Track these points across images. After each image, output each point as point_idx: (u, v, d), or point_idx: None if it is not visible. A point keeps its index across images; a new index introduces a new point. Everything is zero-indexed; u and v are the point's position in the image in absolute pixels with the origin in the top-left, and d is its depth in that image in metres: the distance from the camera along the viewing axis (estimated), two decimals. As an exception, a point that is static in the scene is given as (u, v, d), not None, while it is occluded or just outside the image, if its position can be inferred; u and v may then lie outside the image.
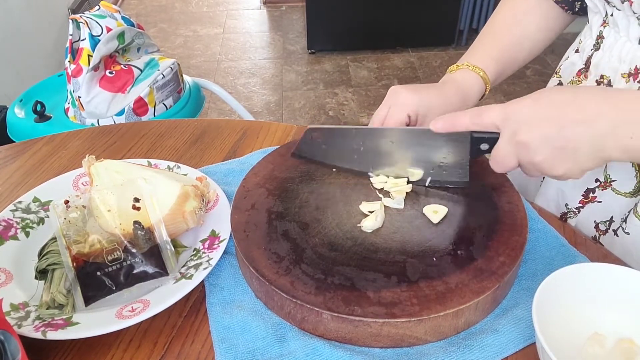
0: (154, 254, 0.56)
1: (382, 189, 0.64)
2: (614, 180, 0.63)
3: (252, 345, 0.51)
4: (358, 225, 0.59)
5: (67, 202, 0.59)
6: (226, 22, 3.35)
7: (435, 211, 0.59)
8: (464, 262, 0.54)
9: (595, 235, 0.67)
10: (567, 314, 0.48)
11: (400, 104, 0.63)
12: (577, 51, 0.71)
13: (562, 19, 0.71)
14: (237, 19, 3.39)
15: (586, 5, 0.66)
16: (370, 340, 0.50)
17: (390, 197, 0.62)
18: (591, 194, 0.67)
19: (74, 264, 0.54)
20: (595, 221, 0.67)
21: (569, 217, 0.70)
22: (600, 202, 0.66)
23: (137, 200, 0.58)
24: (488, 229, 0.58)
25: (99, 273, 0.54)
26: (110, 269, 0.54)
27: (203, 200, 0.62)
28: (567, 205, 0.70)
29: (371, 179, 0.65)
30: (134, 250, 0.55)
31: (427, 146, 0.61)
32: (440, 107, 0.65)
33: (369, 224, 0.58)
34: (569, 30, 0.78)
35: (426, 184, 0.63)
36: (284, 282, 0.52)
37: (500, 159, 0.53)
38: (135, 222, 0.56)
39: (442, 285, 0.51)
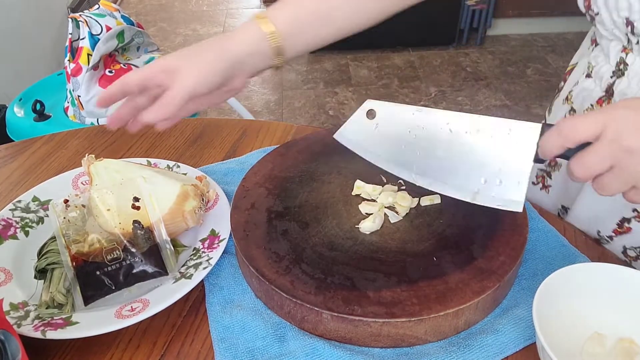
0: (154, 253, 0.56)
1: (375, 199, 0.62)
2: None
3: (251, 345, 0.51)
4: (357, 226, 0.58)
5: (66, 201, 0.59)
6: (226, 21, 3.34)
7: (431, 199, 0.61)
8: (464, 261, 0.54)
9: (624, 261, 0.65)
10: (568, 313, 0.48)
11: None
12: (588, 76, 0.66)
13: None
14: (236, 18, 3.39)
15: None
16: (370, 340, 0.50)
17: (394, 210, 0.60)
18: (626, 224, 0.63)
19: (74, 264, 0.54)
20: (624, 246, 0.64)
21: (602, 244, 0.67)
22: (631, 228, 0.63)
23: (136, 199, 0.58)
24: (488, 228, 0.57)
25: (98, 272, 0.54)
26: (109, 268, 0.54)
27: (203, 199, 0.61)
28: (599, 232, 0.66)
29: (363, 188, 0.62)
30: (133, 250, 0.55)
31: (487, 141, 0.50)
32: (190, 75, 0.55)
33: (367, 226, 0.58)
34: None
35: (469, 199, 0.52)
36: (284, 281, 0.52)
37: (591, 163, 0.44)
38: (135, 222, 0.56)
39: (442, 284, 0.51)
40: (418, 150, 0.54)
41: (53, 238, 0.58)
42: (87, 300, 0.53)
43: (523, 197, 0.50)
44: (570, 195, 0.71)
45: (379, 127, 0.55)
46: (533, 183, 0.78)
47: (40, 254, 0.57)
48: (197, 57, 0.57)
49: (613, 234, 0.65)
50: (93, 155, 0.64)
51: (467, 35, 2.86)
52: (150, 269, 0.55)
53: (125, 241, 0.55)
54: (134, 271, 0.55)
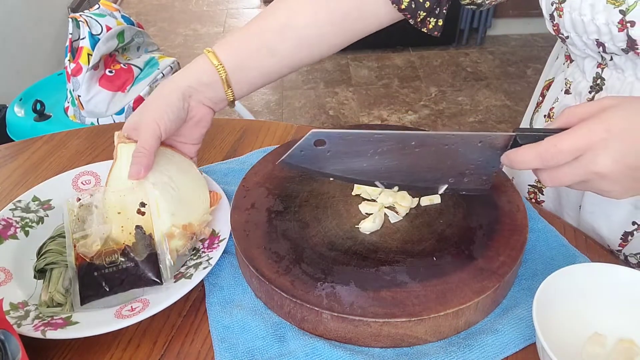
0: (152, 261, 0.54)
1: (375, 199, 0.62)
2: None
3: (251, 345, 0.51)
4: (357, 226, 0.58)
5: (78, 199, 0.59)
6: (226, 21, 3.34)
7: (431, 199, 0.61)
8: (464, 261, 0.54)
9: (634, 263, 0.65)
10: (568, 314, 0.48)
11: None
12: (567, 92, 0.67)
13: (381, 9, 0.63)
14: (237, 18, 3.39)
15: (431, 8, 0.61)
16: (370, 340, 0.50)
17: (394, 210, 0.60)
18: (630, 237, 0.64)
19: (77, 262, 0.54)
20: (624, 254, 0.65)
21: (616, 256, 0.67)
22: (633, 239, 0.63)
23: (143, 205, 0.58)
24: (488, 228, 0.57)
25: (96, 274, 0.53)
26: (106, 270, 0.53)
27: (193, 238, 0.58)
28: (608, 246, 0.67)
29: (362, 188, 0.62)
30: (132, 255, 0.54)
31: (457, 153, 0.52)
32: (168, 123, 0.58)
33: (367, 226, 0.58)
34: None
35: (439, 192, 0.56)
36: (284, 281, 0.52)
37: (560, 177, 0.46)
38: (137, 227, 0.56)
39: (442, 285, 0.51)
40: (378, 164, 0.53)
41: (52, 238, 0.58)
42: (84, 300, 0.53)
43: (490, 185, 0.55)
44: (565, 209, 0.71)
45: (330, 153, 0.52)
46: (525, 199, 0.77)
47: (39, 254, 0.57)
48: (153, 103, 0.60)
49: (620, 248, 0.65)
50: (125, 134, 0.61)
51: (467, 35, 2.86)
52: (145, 277, 0.54)
53: (125, 245, 0.55)
54: (129, 277, 0.54)
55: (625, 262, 0.65)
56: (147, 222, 0.57)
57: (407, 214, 0.60)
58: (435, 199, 0.61)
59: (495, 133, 0.49)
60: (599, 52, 0.58)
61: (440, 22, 0.65)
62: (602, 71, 0.61)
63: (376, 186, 0.56)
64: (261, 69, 0.64)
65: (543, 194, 0.74)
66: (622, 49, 0.55)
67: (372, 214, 0.59)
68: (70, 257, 0.54)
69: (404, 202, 0.60)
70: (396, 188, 0.59)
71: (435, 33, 0.66)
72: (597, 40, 0.56)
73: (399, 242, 0.57)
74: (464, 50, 2.85)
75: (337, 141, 0.51)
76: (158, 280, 0.54)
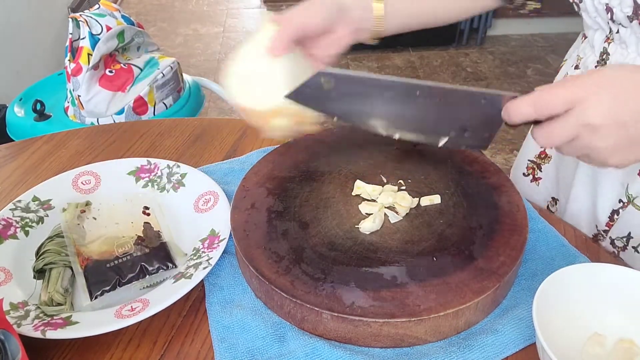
0: (163, 249, 0.59)
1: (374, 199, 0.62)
2: (636, 197, 0.62)
3: (251, 345, 0.51)
4: (357, 226, 0.58)
5: (83, 211, 0.63)
6: (226, 21, 3.34)
7: (431, 199, 0.61)
8: (464, 261, 0.54)
9: (613, 252, 0.66)
10: (568, 314, 0.48)
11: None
12: (577, 67, 0.69)
13: None
14: (237, 18, 3.39)
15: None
16: (370, 340, 0.50)
17: (394, 210, 0.60)
18: (616, 216, 0.65)
19: (82, 265, 0.56)
20: (610, 237, 0.66)
21: (600, 239, 0.69)
22: (621, 218, 0.65)
23: (146, 207, 0.63)
24: (488, 228, 0.57)
25: (108, 266, 0.56)
26: (119, 261, 0.57)
27: (298, 126, 0.59)
28: (597, 226, 0.68)
29: (363, 188, 0.63)
30: (144, 244, 0.58)
31: (460, 108, 0.53)
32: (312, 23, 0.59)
33: (367, 226, 0.58)
34: (570, 30, 0.78)
35: (439, 145, 0.55)
36: (284, 281, 0.52)
37: (553, 133, 0.47)
38: (146, 223, 0.60)
39: (442, 285, 0.51)
40: (381, 111, 0.55)
41: (50, 238, 0.58)
42: (92, 293, 0.54)
43: (490, 142, 0.54)
44: (561, 187, 0.72)
45: (335, 94, 0.54)
46: (523, 174, 0.80)
47: (38, 254, 0.57)
48: (310, 2, 0.61)
49: (607, 229, 0.67)
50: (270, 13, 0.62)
51: (468, 36, 2.86)
52: (159, 261, 0.57)
53: (137, 236, 0.59)
54: (143, 263, 0.57)
55: (612, 245, 0.66)
56: (153, 220, 0.61)
57: (407, 214, 0.60)
58: (436, 199, 0.61)
59: (500, 92, 0.51)
60: (608, 22, 0.60)
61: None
62: (608, 46, 0.62)
63: (378, 132, 0.56)
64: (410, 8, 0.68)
65: (541, 171, 0.76)
66: (628, 16, 0.56)
67: (372, 214, 0.59)
68: (74, 260, 0.56)
69: (404, 202, 0.60)
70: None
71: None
72: (607, 4, 0.58)
73: (399, 242, 0.57)
74: (464, 51, 2.85)
75: (343, 82, 0.53)
76: (171, 264, 0.58)
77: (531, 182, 0.79)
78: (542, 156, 0.76)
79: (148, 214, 0.62)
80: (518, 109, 0.48)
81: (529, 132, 0.77)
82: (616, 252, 0.66)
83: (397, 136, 0.57)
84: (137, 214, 0.63)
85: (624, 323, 0.48)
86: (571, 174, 0.70)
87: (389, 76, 0.54)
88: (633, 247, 0.64)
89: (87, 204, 0.66)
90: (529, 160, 0.78)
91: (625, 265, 0.58)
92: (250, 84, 0.58)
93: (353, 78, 0.53)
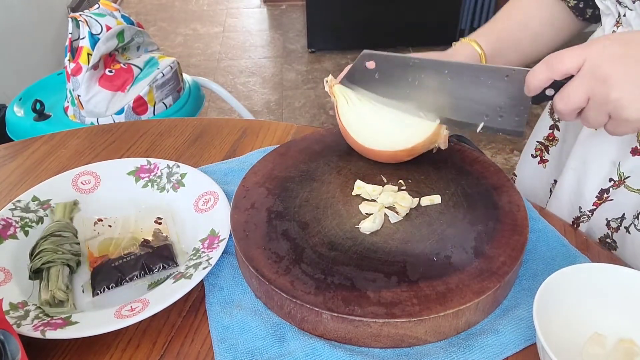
0: (167, 248, 0.60)
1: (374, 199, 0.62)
2: (628, 177, 0.63)
3: (251, 345, 0.50)
4: (357, 226, 0.58)
5: (100, 220, 0.66)
6: (226, 20, 3.34)
7: (431, 199, 0.62)
8: (465, 262, 0.54)
9: (607, 233, 0.67)
10: (568, 314, 0.48)
11: None
12: None
13: (570, 20, 0.72)
14: (237, 18, 3.39)
15: (598, 12, 0.66)
16: (370, 341, 0.50)
17: (394, 210, 0.60)
18: (605, 194, 0.66)
19: (91, 267, 0.58)
20: (607, 218, 0.67)
21: (582, 222, 0.69)
22: (612, 200, 0.65)
23: (159, 218, 0.65)
24: (488, 228, 0.57)
25: (113, 265, 0.57)
26: (123, 260, 0.58)
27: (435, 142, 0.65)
28: (580, 208, 0.69)
29: (363, 188, 0.63)
30: (149, 245, 0.60)
31: (487, 86, 0.57)
32: None
33: (367, 226, 0.58)
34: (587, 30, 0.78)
35: (478, 130, 0.59)
36: (284, 281, 0.52)
37: (570, 94, 0.49)
38: (157, 229, 0.63)
39: (442, 285, 0.51)
40: (420, 92, 0.61)
41: (44, 238, 0.58)
42: (95, 289, 0.56)
43: (523, 126, 0.58)
44: (562, 170, 0.73)
45: (378, 75, 0.62)
46: (532, 155, 0.81)
47: (33, 254, 0.57)
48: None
49: (594, 208, 0.67)
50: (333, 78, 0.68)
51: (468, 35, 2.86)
52: (161, 258, 0.58)
53: (143, 239, 0.61)
54: (145, 260, 0.58)
55: (607, 227, 0.67)
56: (164, 228, 0.63)
57: (407, 214, 0.60)
58: (436, 199, 0.61)
59: (520, 68, 0.55)
60: (616, 5, 0.61)
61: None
62: (617, 29, 0.63)
63: (420, 116, 0.63)
64: (507, 57, 0.72)
65: (549, 153, 0.78)
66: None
67: (372, 214, 0.59)
68: (84, 261, 0.58)
69: (404, 202, 0.60)
70: (437, 121, 0.63)
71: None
72: None
73: (399, 242, 0.56)
74: (464, 50, 2.84)
75: (382, 62, 0.61)
76: (173, 262, 0.59)
77: (538, 163, 0.80)
78: (550, 138, 0.78)
79: (160, 223, 0.64)
80: (534, 74, 0.51)
81: (542, 113, 0.79)
82: (610, 233, 0.67)
83: (437, 120, 0.63)
84: (150, 222, 0.64)
85: (624, 323, 0.48)
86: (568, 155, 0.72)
87: (417, 55, 0.60)
88: (625, 228, 0.65)
89: (75, 203, 0.66)
90: (537, 141, 0.80)
91: (624, 264, 0.58)
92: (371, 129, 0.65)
93: (391, 58, 0.60)
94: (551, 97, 0.52)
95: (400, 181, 0.65)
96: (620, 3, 0.60)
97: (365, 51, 0.60)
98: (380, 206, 0.60)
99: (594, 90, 0.47)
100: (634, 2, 0.57)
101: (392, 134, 0.64)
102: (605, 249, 0.62)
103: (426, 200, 0.61)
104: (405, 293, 0.51)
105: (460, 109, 0.60)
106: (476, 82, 0.57)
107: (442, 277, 0.52)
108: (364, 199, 0.62)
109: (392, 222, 0.59)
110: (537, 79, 0.51)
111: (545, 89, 0.52)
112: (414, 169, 0.66)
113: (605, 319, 0.49)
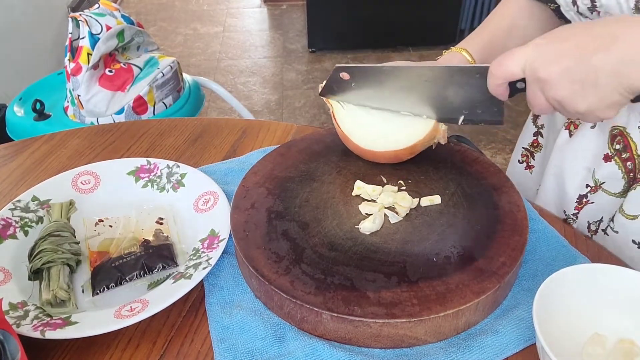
0: (167, 248, 0.60)
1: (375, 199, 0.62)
2: (604, 183, 0.64)
3: (251, 345, 0.50)
4: (357, 227, 0.58)
5: (101, 220, 0.65)
6: (226, 20, 3.34)
7: (431, 200, 0.62)
8: (464, 262, 0.54)
9: (588, 236, 0.68)
10: (568, 314, 0.48)
11: None
12: None
13: (555, 23, 0.72)
14: (237, 18, 3.39)
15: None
16: (370, 341, 0.50)
17: (394, 211, 0.61)
18: (584, 199, 0.67)
19: (92, 267, 0.58)
20: (588, 221, 0.68)
21: (569, 222, 0.70)
22: (593, 202, 0.66)
23: (161, 218, 0.65)
24: (488, 229, 0.57)
25: (113, 265, 0.57)
26: (123, 260, 0.58)
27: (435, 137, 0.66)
28: (565, 211, 0.70)
29: (363, 188, 0.63)
30: (149, 245, 0.60)
31: (462, 85, 0.59)
32: None
33: (367, 226, 0.58)
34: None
35: (459, 122, 0.62)
36: (284, 282, 0.52)
37: (531, 100, 0.52)
38: (157, 229, 0.63)
39: (442, 285, 0.51)
40: (397, 97, 0.63)
41: (43, 238, 0.58)
42: (95, 288, 0.56)
43: (502, 115, 0.60)
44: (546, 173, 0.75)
45: (355, 84, 0.64)
46: (518, 161, 0.83)
47: (32, 255, 0.57)
48: None
49: (576, 212, 0.69)
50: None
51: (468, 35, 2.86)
52: (161, 258, 0.58)
53: (144, 239, 0.61)
54: (145, 260, 0.58)
55: (588, 230, 0.68)
56: (165, 228, 0.63)
57: (407, 214, 0.60)
58: (436, 199, 0.61)
59: (488, 65, 0.56)
60: (578, 15, 0.61)
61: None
62: None
63: (404, 113, 0.65)
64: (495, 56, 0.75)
65: (534, 159, 0.80)
66: (588, 8, 0.57)
67: (372, 214, 0.59)
68: (85, 260, 0.58)
69: (404, 202, 0.60)
70: (396, 188, 0.62)
71: None
72: None
73: (399, 243, 0.56)
74: (464, 50, 2.84)
75: (356, 73, 0.63)
76: (173, 262, 0.59)
77: (525, 169, 0.81)
78: (535, 144, 0.79)
79: (161, 224, 0.64)
80: (489, 78, 0.54)
81: (527, 120, 0.80)
82: (590, 235, 0.68)
83: (424, 116, 0.64)
84: (151, 223, 0.64)
85: (624, 323, 0.48)
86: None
87: (388, 64, 0.62)
88: (602, 230, 0.66)
89: (72, 202, 0.66)
90: (523, 147, 0.81)
91: (624, 265, 0.58)
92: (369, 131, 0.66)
93: (364, 69, 0.62)
94: (524, 90, 0.53)
95: (400, 181, 0.65)
96: (581, 14, 0.60)
97: (337, 65, 0.63)
98: (380, 206, 0.60)
99: (544, 92, 0.50)
100: (591, 13, 0.58)
101: (391, 134, 0.64)
102: (605, 250, 0.62)
103: (426, 201, 0.61)
104: (405, 293, 0.50)
105: (439, 107, 0.62)
106: (451, 82, 0.59)
107: (442, 278, 0.52)
108: (364, 199, 0.62)
109: (392, 222, 0.59)
110: (492, 84, 0.54)
111: (517, 82, 0.53)
112: (413, 169, 0.66)
113: (605, 319, 0.48)
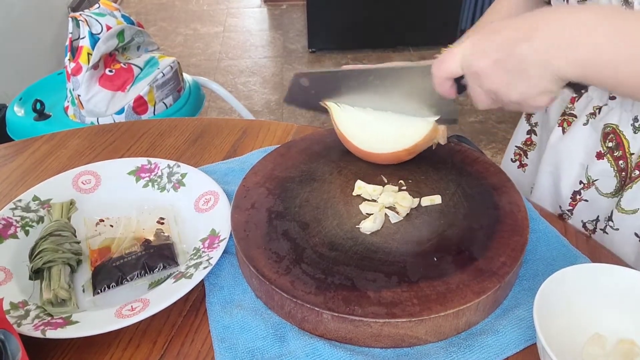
0: (167, 248, 0.60)
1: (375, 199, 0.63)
2: (597, 180, 0.65)
3: (251, 345, 0.50)
4: (357, 226, 0.58)
5: (102, 220, 0.65)
6: (226, 20, 3.34)
7: (432, 199, 0.62)
8: (465, 262, 0.54)
9: (588, 235, 0.67)
10: (568, 314, 0.48)
11: None
12: None
13: None
14: (237, 17, 3.39)
15: None
16: (371, 341, 0.50)
17: (395, 210, 0.60)
18: (578, 196, 0.68)
19: (93, 267, 0.58)
20: (582, 221, 0.68)
21: (565, 219, 0.71)
22: (587, 200, 0.67)
23: (162, 218, 0.65)
24: (489, 229, 0.57)
25: (114, 265, 0.57)
26: (124, 260, 0.58)
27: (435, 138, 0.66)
28: (560, 207, 0.71)
29: (363, 188, 0.63)
30: (150, 245, 0.60)
31: (414, 84, 0.61)
32: None
33: (367, 226, 0.58)
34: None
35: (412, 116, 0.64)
36: (284, 281, 0.52)
37: (472, 95, 0.54)
38: (159, 229, 0.63)
39: (442, 285, 0.51)
40: (354, 98, 0.65)
41: (43, 238, 0.58)
42: (96, 288, 0.56)
43: (456, 114, 0.63)
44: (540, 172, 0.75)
45: (314, 91, 0.67)
46: (511, 160, 0.83)
47: (33, 254, 0.57)
48: None
49: (571, 208, 0.69)
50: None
51: (468, 35, 2.86)
52: (162, 258, 0.58)
53: (145, 239, 0.61)
54: (146, 259, 0.58)
55: (584, 228, 0.69)
56: (167, 228, 0.63)
57: (407, 214, 0.60)
58: (436, 199, 0.61)
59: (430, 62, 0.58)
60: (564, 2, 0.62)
61: None
62: None
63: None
64: None
65: (527, 158, 0.80)
66: (578, 2, 0.57)
67: (372, 214, 0.59)
68: (86, 259, 0.58)
69: (404, 202, 0.60)
70: (396, 188, 0.62)
71: None
72: None
73: (399, 243, 0.56)
74: (464, 50, 2.84)
75: (315, 79, 0.65)
76: (173, 262, 0.59)
77: (518, 168, 0.82)
78: (528, 143, 0.80)
79: (162, 224, 0.64)
80: (432, 75, 0.55)
81: (520, 118, 0.80)
82: (588, 234, 0.68)
83: (387, 112, 0.66)
84: (152, 222, 0.64)
85: (624, 323, 0.48)
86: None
87: (341, 69, 0.64)
88: (601, 229, 0.66)
89: (72, 202, 0.66)
90: (516, 146, 0.82)
91: (625, 265, 0.58)
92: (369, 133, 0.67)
93: (321, 74, 0.65)
94: None
95: (401, 181, 0.65)
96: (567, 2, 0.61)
97: (296, 72, 0.66)
98: (380, 206, 0.60)
99: (480, 85, 0.51)
100: (578, 3, 0.58)
101: (391, 136, 0.64)
102: (606, 249, 0.62)
103: (426, 201, 0.61)
104: (406, 293, 0.51)
105: (394, 106, 0.64)
106: (403, 81, 0.61)
107: (443, 277, 0.52)
108: (365, 199, 0.62)
109: (392, 222, 0.59)
110: (436, 83, 0.56)
111: (461, 79, 0.54)
112: (414, 169, 0.66)
113: (605, 319, 0.49)
